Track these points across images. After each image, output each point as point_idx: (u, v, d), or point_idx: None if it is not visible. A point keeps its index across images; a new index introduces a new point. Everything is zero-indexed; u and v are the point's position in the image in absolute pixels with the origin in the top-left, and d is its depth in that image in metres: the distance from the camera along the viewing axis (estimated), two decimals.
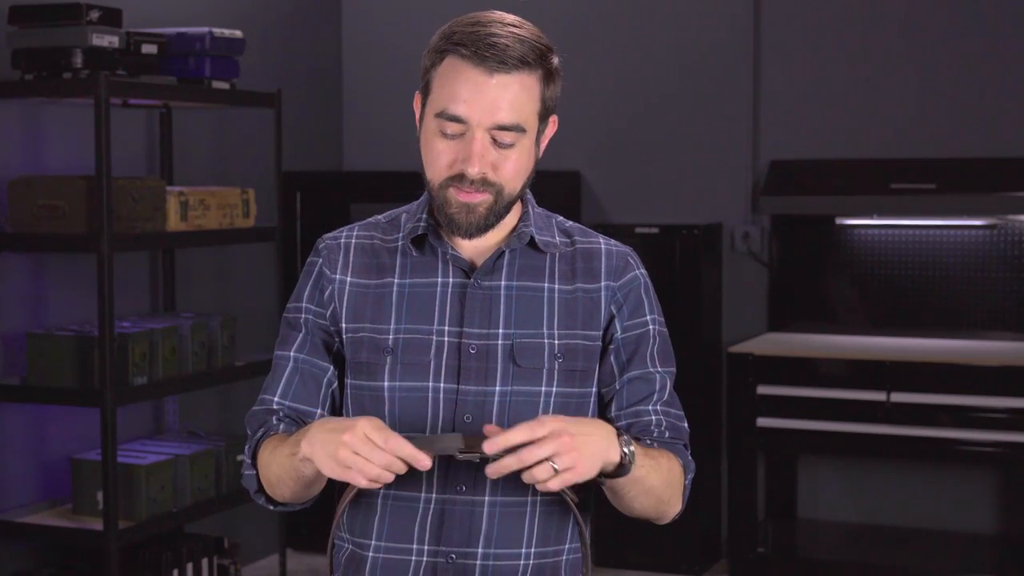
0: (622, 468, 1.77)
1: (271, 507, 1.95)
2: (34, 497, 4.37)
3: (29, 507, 4.29)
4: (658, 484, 1.86)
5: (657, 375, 1.96)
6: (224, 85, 4.56)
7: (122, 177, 4.27)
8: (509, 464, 1.68)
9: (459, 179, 1.84)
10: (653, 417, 1.94)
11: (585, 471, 1.70)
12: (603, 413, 1.96)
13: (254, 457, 1.91)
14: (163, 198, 4.29)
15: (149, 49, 4.29)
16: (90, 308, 4.28)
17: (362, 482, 1.70)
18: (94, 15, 4.05)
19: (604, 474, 1.77)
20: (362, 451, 1.68)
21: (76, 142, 4.44)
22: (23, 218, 4.11)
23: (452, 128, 1.83)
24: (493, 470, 1.70)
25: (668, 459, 1.90)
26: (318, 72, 5.95)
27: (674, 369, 2.00)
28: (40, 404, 4.30)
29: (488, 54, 1.80)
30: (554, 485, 1.69)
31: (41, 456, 4.40)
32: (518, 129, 1.83)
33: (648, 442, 1.91)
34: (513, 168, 1.85)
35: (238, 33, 4.60)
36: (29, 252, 4.31)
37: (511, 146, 1.84)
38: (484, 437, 1.70)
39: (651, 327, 1.96)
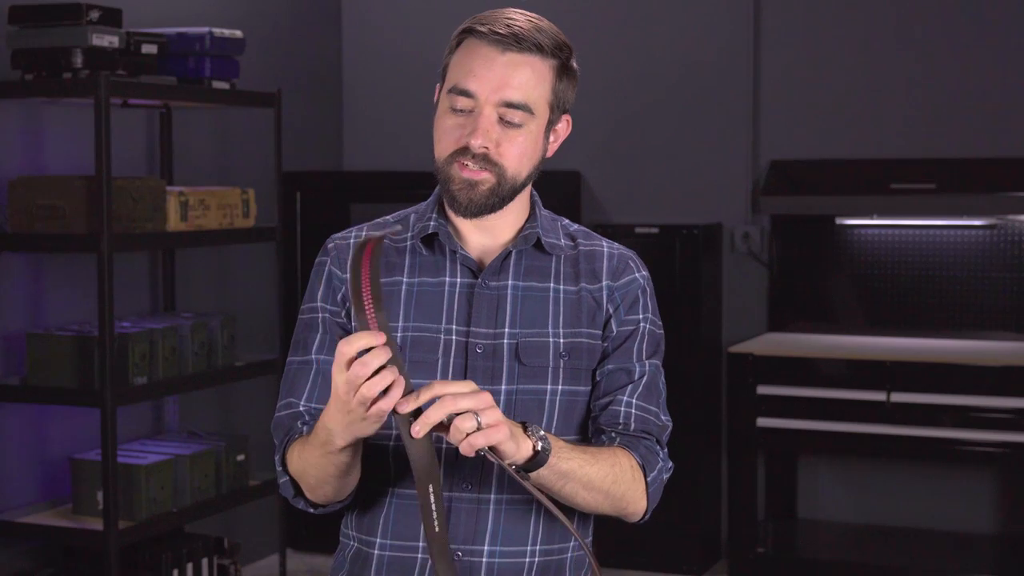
0: (538, 455, 1.74)
1: (312, 510, 1.93)
2: (34, 497, 4.37)
3: (29, 507, 4.29)
4: (598, 478, 1.82)
5: (637, 366, 1.95)
6: (224, 85, 4.56)
7: (122, 177, 4.27)
8: (434, 416, 1.64)
9: (463, 152, 1.86)
10: (623, 409, 1.93)
11: (506, 434, 1.68)
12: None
13: (284, 463, 1.91)
14: (163, 198, 4.29)
15: (149, 49, 4.29)
16: (90, 308, 4.28)
17: (382, 404, 1.64)
18: (94, 15, 4.05)
19: (521, 466, 1.75)
20: (353, 377, 1.63)
21: (76, 142, 4.44)
22: (23, 218, 4.11)
23: (462, 103, 1.86)
24: (416, 428, 1.64)
25: (612, 454, 1.86)
26: (318, 72, 5.95)
27: (658, 363, 1.99)
28: (40, 404, 4.30)
29: (502, 32, 1.85)
30: (478, 440, 1.65)
31: (41, 456, 4.40)
32: (526, 109, 1.86)
33: (603, 438, 1.90)
34: (517, 151, 1.87)
35: (238, 33, 4.60)
36: (29, 252, 4.30)
37: (518, 127, 1.86)
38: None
39: (641, 325, 1.97)
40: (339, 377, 1.64)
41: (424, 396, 1.65)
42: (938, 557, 5.13)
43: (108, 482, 4.01)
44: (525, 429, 1.74)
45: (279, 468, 1.92)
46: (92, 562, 4.26)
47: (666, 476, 1.95)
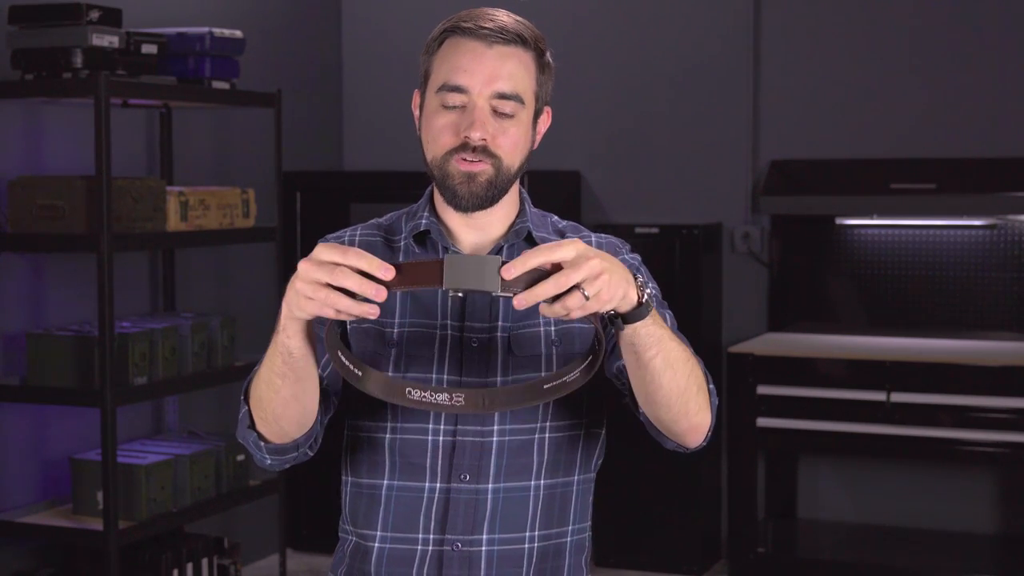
0: (640, 309, 1.71)
1: (266, 460, 1.90)
2: (34, 497, 4.37)
3: (29, 507, 4.29)
4: (682, 359, 1.80)
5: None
6: (224, 85, 4.56)
7: (122, 177, 4.27)
8: (544, 291, 1.60)
9: (461, 148, 1.87)
10: None
11: (610, 299, 1.65)
12: (609, 369, 1.94)
13: (246, 394, 1.88)
14: (163, 198, 4.30)
15: (149, 49, 4.29)
16: (90, 308, 4.28)
17: (327, 311, 1.62)
18: (94, 15, 4.05)
19: (621, 316, 1.71)
20: (315, 275, 1.61)
21: (76, 142, 4.44)
22: (23, 218, 4.11)
23: (454, 99, 1.87)
24: (523, 300, 1.60)
25: (688, 349, 1.85)
26: (318, 72, 5.95)
27: (671, 314, 1.98)
28: (40, 404, 4.30)
29: (487, 27, 1.88)
30: (577, 314, 1.63)
31: (41, 456, 4.40)
32: (517, 99, 1.88)
33: None
34: (512, 141, 1.89)
35: (238, 33, 4.61)
36: (29, 252, 4.31)
37: (511, 117, 1.88)
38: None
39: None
40: (323, 254, 1.62)
41: (532, 262, 1.60)
42: (938, 557, 5.13)
43: (108, 482, 4.01)
44: (635, 278, 1.71)
45: (241, 399, 1.89)
46: (92, 562, 4.26)
47: (715, 402, 1.93)
